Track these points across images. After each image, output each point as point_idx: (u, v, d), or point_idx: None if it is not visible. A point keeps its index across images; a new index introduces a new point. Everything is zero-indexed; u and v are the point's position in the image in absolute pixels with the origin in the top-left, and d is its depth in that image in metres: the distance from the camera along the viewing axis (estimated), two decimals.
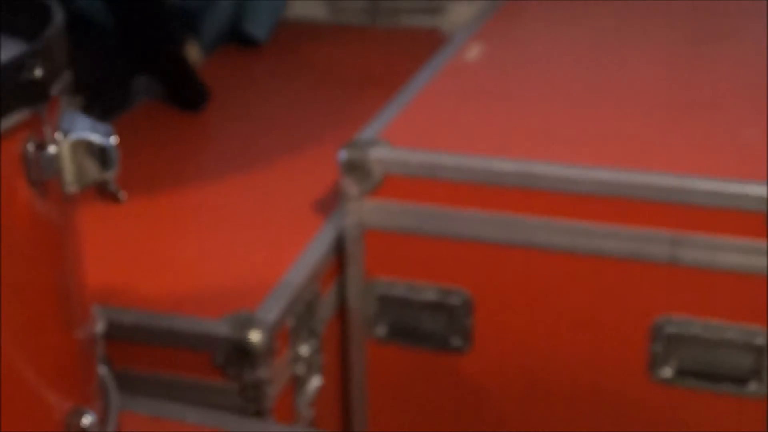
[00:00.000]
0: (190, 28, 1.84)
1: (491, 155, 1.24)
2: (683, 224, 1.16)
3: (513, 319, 1.26)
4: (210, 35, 1.88)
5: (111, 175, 0.74)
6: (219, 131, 1.65)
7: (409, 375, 1.33)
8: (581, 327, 1.24)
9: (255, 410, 1.13)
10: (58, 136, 0.72)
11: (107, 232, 1.29)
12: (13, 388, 0.72)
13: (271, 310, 1.15)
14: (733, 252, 1.15)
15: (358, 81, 1.79)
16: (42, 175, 0.71)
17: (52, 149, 0.70)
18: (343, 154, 1.26)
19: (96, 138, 0.73)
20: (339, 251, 1.30)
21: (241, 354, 1.11)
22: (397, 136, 1.29)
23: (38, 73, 0.68)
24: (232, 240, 1.31)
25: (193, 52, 1.82)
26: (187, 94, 1.68)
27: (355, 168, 1.25)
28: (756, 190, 1.13)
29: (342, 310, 1.32)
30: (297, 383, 1.21)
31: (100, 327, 0.84)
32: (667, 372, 1.21)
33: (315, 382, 1.25)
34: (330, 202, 1.35)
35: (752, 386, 1.18)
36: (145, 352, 1.15)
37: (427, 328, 1.29)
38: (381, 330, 1.31)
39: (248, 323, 1.11)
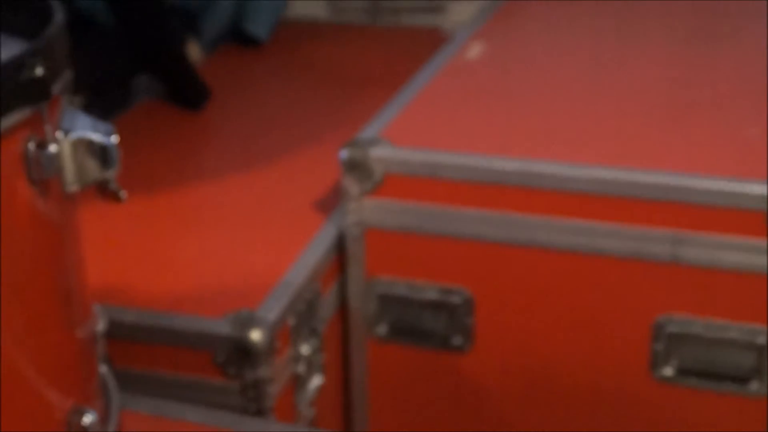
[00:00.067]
0: (190, 27, 1.84)
1: (492, 154, 1.24)
2: (684, 223, 1.16)
3: (514, 319, 1.26)
4: (210, 34, 1.88)
5: (112, 174, 0.75)
6: (220, 130, 1.65)
7: (409, 374, 1.33)
8: (582, 326, 1.24)
9: (256, 409, 1.13)
10: (58, 135, 0.72)
11: (108, 231, 1.29)
12: (15, 387, 0.72)
13: (272, 309, 1.15)
14: (735, 251, 1.15)
15: (358, 80, 1.79)
16: (43, 173, 0.71)
17: (52, 148, 0.70)
18: (344, 153, 1.26)
19: (97, 137, 0.73)
20: (340, 250, 1.30)
21: (241, 353, 1.11)
22: (397, 135, 1.29)
23: (39, 72, 0.68)
24: (233, 239, 1.31)
25: (194, 52, 1.82)
26: (187, 93, 1.68)
27: (356, 167, 1.25)
28: (757, 189, 1.13)
29: (343, 309, 1.32)
30: (298, 382, 1.21)
31: (101, 326, 0.84)
32: (668, 371, 1.21)
33: (316, 381, 1.25)
34: (331, 201, 1.35)
35: (753, 385, 1.18)
36: (146, 351, 1.15)
37: (427, 328, 1.29)
38: (382, 329, 1.31)
39: (249, 322, 1.11)
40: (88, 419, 0.77)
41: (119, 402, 0.86)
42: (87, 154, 0.73)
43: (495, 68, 1.54)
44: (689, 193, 1.15)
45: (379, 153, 1.25)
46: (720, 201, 1.14)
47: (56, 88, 0.72)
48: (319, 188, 1.39)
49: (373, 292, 1.29)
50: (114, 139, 0.74)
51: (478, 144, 1.27)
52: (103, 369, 0.86)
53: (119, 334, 1.07)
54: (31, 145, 0.70)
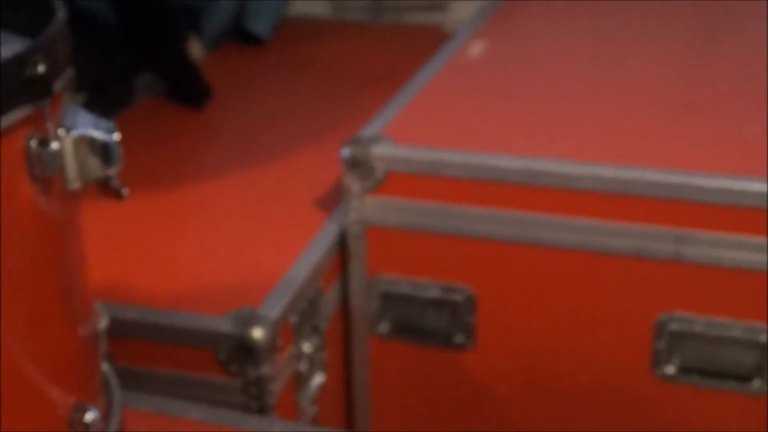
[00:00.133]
0: (192, 25, 1.84)
1: (494, 152, 1.24)
2: (687, 221, 1.16)
3: (516, 317, 1.26)
4: (212, 32, 1.88)
5: (113, 172, 0.75)
6: (221, 128, 1.65)
7: (411, 372, 1.33)
8: (584, 324, 1.23)
9: (258, 407, 1.13)
10: (60, 132, 0.72)
11: (110, 229, 1.29)
12: (17, 384, 0.72)
13: (274, 307, 1.15)
14: (737, 249, 1.15)
15: (360, 78, 1.79)
16: (44, 171, 0.71)
17: (54, 145, 0.70)
18: (345, 151, 1.26)
19: (98, 134, 0.73)
20: (342, 248, 1.30)
21: (243, 351, 1.11)
22: (399, 133, 1.29)
23: (41, 69, 0.68)
24: (235, 237, 1.31)
25: (196, 50, 1.82)
26: (189, 91, 1.68)
27: (358, 165, 1.25)
28: (759, 187, 1.13)
29: (345, 307, 1.32)
30: (300, 380, 1.21)
31: (102, 323, 0.84)
32: (670, 369, 1.21)
33: (318, 379, 1.25)
34: (333, 199, 1.35)
35: (755, 384, 1.18)
36: (148, 349, 1.15)
37: (430, 326, 1.29)
38: (384, 327, 1.31)
39: (251, 320, 1.11)
40: (90, 417, 0.77)
41: (121, 399, 0.86)
42: (89, 152, 0.73)
43: (497, 66, 1.53)
44: (691, 191, 1.15)
45: (380, 151, 1.25)
46: (722, 199, 1.14)
47: (58, 86, 0.72)
48: (320, 186, 1.39)
49: (375, 290, 1.29)
50: (116, 136, 0.74)
51: (480, 142, 1.27)
52: (105, 366, 0.86)
53: (121, 332, 1.07)
54: (33, 143, 0.70)
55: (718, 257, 1.16)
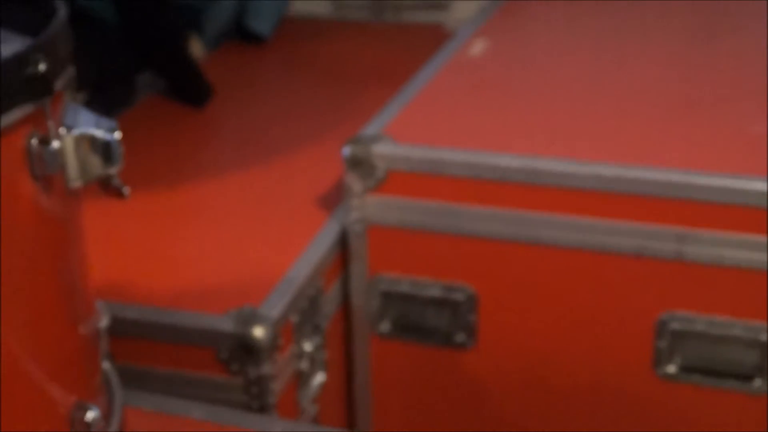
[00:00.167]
0: (193, 24, 1.84)
1: (495, 151, 1.23)
2: (689, 220, 1.16)
3: (517, 315, 1.26)
4: (213, 31, 1.88)
5: (114, 171, 0.75)
6: (222, 127, 1.65)
7: (412, 371, 1.33)
8: (585, 323, 1.23)
9: (259, 406, 1.13)
10: (61, 131, 0.72)
11: (111, 228, 1.29)
12: (18, 383, 0.72)
13: (275, 306, 1.15)
14: (739, 248, 1.15)
15: (361, 77, 1.79)
16: (45, 169, 0.71)
17: (55, 144, 0.70)
18: (346, 150, 1.26)
19: (99, 133, 0.73)
20: (343, 247, 1.29)
21: (244, 350, 1.11)
22: (400, 132, 1.29)
23: (42, 67, 0.68)
24: (236, 235, 1.31)
25: (197, 49, 1.82)
26: (190, 90, 1.68)
27: (359, 164, 1.25)
28: (761, 186, 1.13)
29: (346, 306, 1.32)
30: (301, 379, 1.21)
31: (103, 322, 0.84)
32: (671, 369, 1.21)
33: (319, 378, 1.25)
34: (334, 198, 1.35)
35: (757, 383, 1.18)
36: (149, 348, 1.15)
37: (430, 325, 1.29)
38: (385, 326, 1.31)
39: (252, 319, 1.11)
40: (90, 415, 0.77)
41: (122, 398, 0.86)
42: (90, 151, 0.73)
43: (498, 65, 1.53)
44: (693, 190, 1.15)
45: (381, 150, 1.25)
46: (724, 198, 1.14)
47: (59, 84, 0.72)
48: (321, 185, 1.39)
49: (376, 289, 1.29)
50: (117, 135, 0.74)
51: (482, 141, 1.27)
52: (106, 365, 0.86)
53: (122, 331, 1.07)
54: (34, 141, 0.70)
55: (720, 256, 1.15)
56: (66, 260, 0.76)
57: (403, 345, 1.31)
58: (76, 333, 0.78)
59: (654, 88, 1.40)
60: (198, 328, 1.13)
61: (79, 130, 0.73)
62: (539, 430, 1.29)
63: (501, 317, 1.27)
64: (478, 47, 1.60)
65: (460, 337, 1.29)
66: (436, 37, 1.78)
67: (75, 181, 0.74)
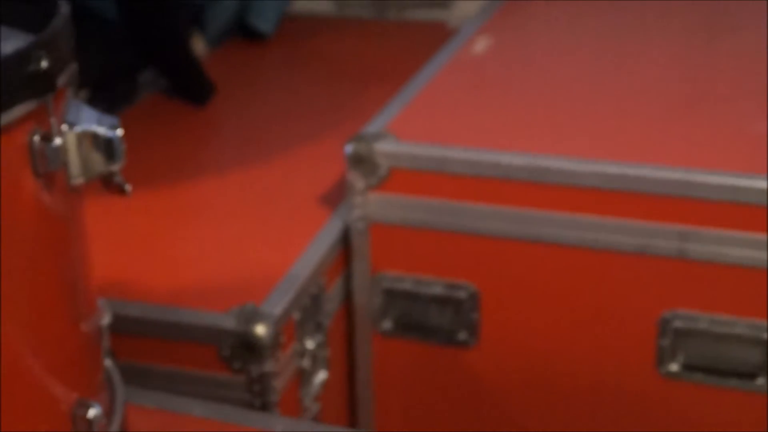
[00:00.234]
0: (195, 21, 1.84)
1: (498, 149, 1.23)
2: (691, 219, 1.15)
3: (520, 314, 1.26)
4: (216, 29, 1.88)
5: (117, 168, 0.75)
6: (225, 125, 1.65)
7: (414, 369, 1.33)
8: (588, 321, 1.23)
9: (260, 404, 1.13)
10: (63, 127, 0.72)
11: (113, 225, 1.29)
12: (19, 381, 0.72)
13: (277, 304, 1.15)
14: (742, 247, 1.14)
15: (364, 75, 1.79)
16: (48, 166, 0.70)
17: (57, 141, 0.70)
18: (349, 148, 1.26)
19: (102, 130, 0.73)
20: (345, 245, 1.29)
21: (246, 347, 1.11)
22: (403, 129, 1.29)
23: (44, 64, 0.68)
24: (238, 233, 1.31)
25: (199, 46, 1.82)
26: (192, 88, 1.68)
27: (362, 161, 1.25)
28: (764, 184, 1.13)
29: (348, 304, 1.32)
30: (303, 377, 1.21)
31: (105, 319, 0.84)
32: (674, 367, 1.21)
33: (321, 375, 1.25)
34: (336, 196, 1.35)
35: (759, 381, 1.18)
36: (151, 345, 1.15)
37: (433, 323, 1.29)
38: (387, 324, 1.31)
39: (254, 316, 1.11)
40: (92, 413, 0.77)
41: (124, 396, 0.86)
42: (92, 148, 0.73)
43: (501, 63, 1.53)
44: (696, 188, 1.15)
45: (384, 147, 1.25)
46: (727, 196, 1.14)
47: (61, 81, 0.72)
48: (324, 183, 1.39)
49: (379, 286, 1.29)
50: (119, 132, 0.74)
51: (484, 138, 1.27)
52: (108, 363, 0.86)
53: (124, 328, 1.07)
54: (36, 138, 0.70)
55: (722, 254, 1.15)
56: (68, 257, 0.76)
57: (406, 343, 1.31)
58: (77, 330, 0.78)
59: (655, 87, 1.40)
60: (200, 326, 1.13)
61: (82, 127, 0.73)
62: (541, 427, 1.29)
63: (503, 315, 1.26)
64: (481, 45, 1.59)
65: (462, 336, 1.28)
66: (439, 35, 1.78)
67: (77, 178, 0.74)
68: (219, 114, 1.66)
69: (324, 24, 2.03)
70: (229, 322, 1.12)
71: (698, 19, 1.63)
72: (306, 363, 1.21)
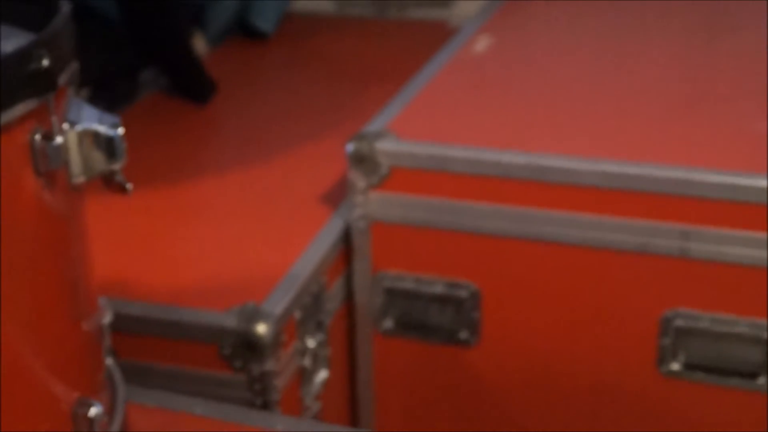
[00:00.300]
0: (196, 20, 1.84)
1: (499, 148, 1.23)
2: (693, 218, 1.15)
3: (520, 313, 1.26)
4: (216, 28, 1.88)
5: (118, 166, 0.74)
6: (225, 124, 1.65)
7: (415, 368, 1.33)
8: (589, 320, 1.23)
9: (261, 403, 1.13)
10: (65, 126, 0.72)
11: (114, 224, 1.29)
12: (21, 379, 0.72)
13: (278, 303, 1.15)
14: (743, 246, 1.14)
15: (365, 74, 1.78)
16: (49, 165, 0.70)
17: (58, 139, 0.70)
18: (350, 147, 1.26)
19: (103, 129, 0.73)
20: (346, 244, 1.29)
21: (247, 346, 1.11)
22: (404, 128, 1.29)
23: (45, 63, 0.68)
24: (239, 232, 1.31)
25: (200, 45, 1.82)
26: (193, 86, 1.68)
27: (363, 160, 1.25)
28: (765, 183, 1.13)
29: (349, 303, 1.32)
30: (303, 376, 1.21)
31: (106, 318, 0.84)
32: (675, 366, 1.21)
33: (321, 374, 1.25)
34: (337, 195, 1.35)
35: (761, 380, 1.18)
36: (152, 344, 1.15)
37: (434, 322, 1.29)
38: (388, 323, 1.31)
39: (255, 315, 1.11)
40: (93, 411, 0.77)
41: (125, 395, 0.86)
42: (93, 146, 0.73)
43: (502, 62, 1.53)
44: (698, 187, 1.15)
45: (385, 146, 1.25)
46: (729, 195, 1.14)
47: (62, 80, 0.72)
48: (325, 182, 1.39)
49: (379, 285, 1.29)
50: (120, 131, 0.74)
51: (485, 137, 1.27)
52: (109, 362, 0.86)
53: (125, 327, 1.07)
54: (38, 137, 0.70)
55: (724, 253, 1.15)
56: (69, 256, 0.76)
57: (406, 342, 1.31)
58: (78, 329, 0.78)
59: (655, 86, 1.40)
60: (201, 325, 1.13)
61: (83, 125, 0.73)
62: (542, 426, 1.29)
63: (504, 314, 1.26)
64: (482, 44, 1.59)
65: (463, 335, 1.28)
66: (440, 34, 1.78)
67: (78, 176, 0.74)
68: (220, 113, 1.66)
69: (324, 23, 2.03)
70: (230, 321, 1.12)
71: (698, 19, 1.63)
72: (307, 362, 1.21)
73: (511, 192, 1.22)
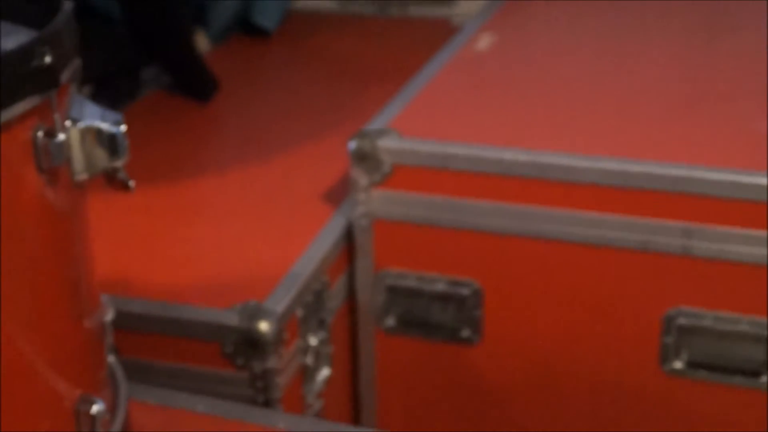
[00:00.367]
0: (198, 18, 1.84)
1: (501, 146, 1.23)
2: (695, 215, 1.15)
3: (523, 311, 1.26)
4: (218, 26, 1.88)
5: (120, 163, 0.74)
6: (227, 121, 1.65)
7: (417, 366, 1.32)
8: (591, 319, 1.23)
9: (263, 400, 1.13)
10: (67, 123, 0.72)
11: (116, 222, 1.29)
12: (23, 377, 0.72)
13: (280, 301, 1.15)
14: (746, 244, 1.14)
15: (367, 71, 1.78)
16: (51, 162, 0.70)
17: (61, 136, 0.70)
18: (352, 144, 1.26)
19: (105, 126, 0.73)
20: (348, 242, 1.29)
21: (250, 344, 1.11)
22: (406, 126, 1.29)
23: (48, 60, 0.68)
24: (241, 230, 1.31)
25: (202, 43, 1.82)
26: (195, 84, 1.68)
27: (365, 158, 1.25)
28: (767, 181, 1.12)
29: (351, 301, 1.32)
30: (306, 373, 1.21)
31: (108, 316, 0.83)
32: (678, 364, 1.21)
33: (324, 372, 1.25)
34: (339, 193, 1.35)
35: (764, 379, 1.18)
36: (154, 342, 1.15)
37: (436, 320, 1.29)
38: (390, 321, 1.31)
39: (257, 313, 1.11)
40: (95, 409, 0.77)
41: (127, 392, 0.86)
42: (95, 143, 0.73)
43: (504, 60, 1.53)
44: (700, 185, 1.15)
45: (387, 144, 1.25)
46: (731, 193, 1.14)
47: (65, 77, 0.71)
48: (327, 179, 1.39)
49: (382, 283, 1.29)
50: (122, 128, 0.74)
51: (488, 135, 1.27)
52: (111, 359, 0.86)
53: (127, 325, 1.07)
54: (40, 134, 0.70)
55: (726, 251, 1.15)
56: (71, 253, 0.76)
57: (409, 340, 1.31)
58: (81, 327, 0.78)
59: (656, 85, 1.40)
60: (203, 322, 1.13)
61: (85, 122, 0.73)
62: (545, 425, 1.29)
63: (506, 312, 1.26)
64: (484, 42, 1.59)
65: (465, 333, 1.28)
66: (442, 32, 1.78)
67: (80, 173, 0.74)
68: (222, 111, 1.66)
69: (326, 21, 2.03)
70: (232, 319, 1.12)
71: (698, 19, 1.62)
72: (309, 360, 1.21)
73: (513, 190, 1.22)
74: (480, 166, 1.22)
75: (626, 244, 1.19)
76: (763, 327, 1.16)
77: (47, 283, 0.74)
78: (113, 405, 0.84)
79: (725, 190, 1.14)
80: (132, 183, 0.76)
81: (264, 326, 1.10)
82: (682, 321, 1.19)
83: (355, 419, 1.37)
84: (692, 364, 1.21)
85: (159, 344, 1.15)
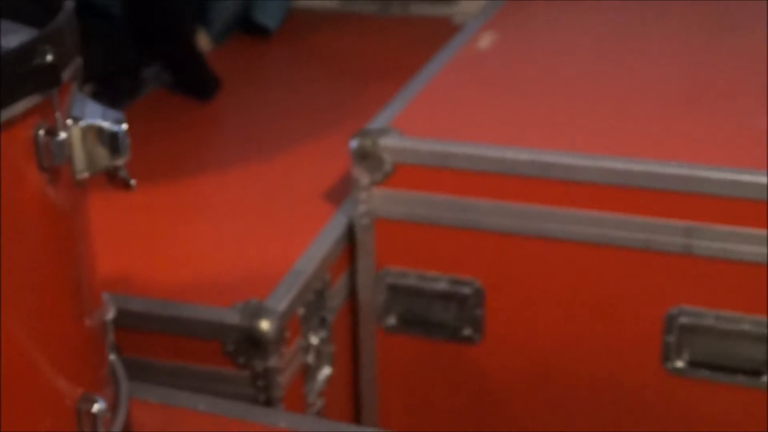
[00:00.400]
0: (199, 17, 1.84)
1: (503, 144, 1.23)
2: (697, 214, 1.15)
3: (524, 310, 1.26)
4: (219, 24, 1.87)
5: (121, 162, 0.75)
6: (229, 120, 1.65)
7: (419, 365, 1.32)
8: (593, 317, 1.23)
9: (265, 399, 1.13)
10: (68, 122, 0.72)
11: (117, 220, 1.29)
12: (24, 375, 0.72)
13: (282, 299, 1.15)
14: (748, 243, 1.14)
15: (368, 70, 1.78)
16: (52, 161, 0.70)
17: (62, 135, 0.70)
18: (354, 143, 1.26)
19: (106, 124, 0.73)
20: (349, 240, 1.29)
21: (251, 343, 1.11)
22: (408, 125, 1.29)
23: (49, 58, 0.68)
24: (243, 229, 1.31)
25: (203, 42, 1.82)
26: (196, 83, 1.68)
27: (366, 157, 1.25)
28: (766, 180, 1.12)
29: (352, 300, 1.32)
30: (307, 372, 1.21)
31: (110, 314, 0.83)
32: (679, 363, 1.21)
33: (325, 371, 1.25)
34: (341, 191, 1.35)
35: (765, 378, 1.18)
36: (155, 340, 1.15)
37: (437, 318, 1.29)
38: (391, 320, 1.31)
39: (258, 312, 1.11)
40: (97, 407, 0.77)
41: (128, 391, 0.86)
42: (97, 142, 0.73)
43: (505, 59, 1.53)
44: (702, 183, 1.15)
45: (389, 143, 1.25)
46: (733, 192, 1.14)
47: (66, 75, 0.71)
48: (329, 178, 1.39)
49: (383, 282, 1.29)
50: (124, 126, 0.74)
51: (489, 134, 1.27)
52: (112, 358, 0.86)
53: (128, 323, 1.07)
54: (41, 132, 0.70)
55: (728, 250, 1.15)
56: (72, 252, 0.76)
57: (410, 339, 1.31)
58: (82, 325, 0.78)
59: (657, 84, 1.40)
60: (204, 321, 1.13)
61: (86, 121, 0.73)
62: (546, 423, 1.29)
63: (508, 311, 1.26)
64: (485, 40, 1.59)
65: (467, 332, 1.28)
66: (444, 31, 1.78)
67: (82, 172, 0.74)
68: (223, 110, 1.66)
69: (328, 20, 2.03)
70: (233, 318, 1.12)
71: (698, 19, 1.62)
72: (310, 358, 1.21)
73: (514, 189, 1.22)
74: (481, 165, 1.22)
75: (627, 243, 1.19)
76: (765, 326, 1.16)
77: (48, 281, 0.74)
78: (114, 404, 0.84)
79: (727, 189, 1.14)
80: (133, 182, 0.76)
81: (265, 325, 1.10)
82: (683, 320, 1.19)
83: (356, 418, 1.37)
84: (694, 364, 1.20)
85: (160, 343, 1.15)
